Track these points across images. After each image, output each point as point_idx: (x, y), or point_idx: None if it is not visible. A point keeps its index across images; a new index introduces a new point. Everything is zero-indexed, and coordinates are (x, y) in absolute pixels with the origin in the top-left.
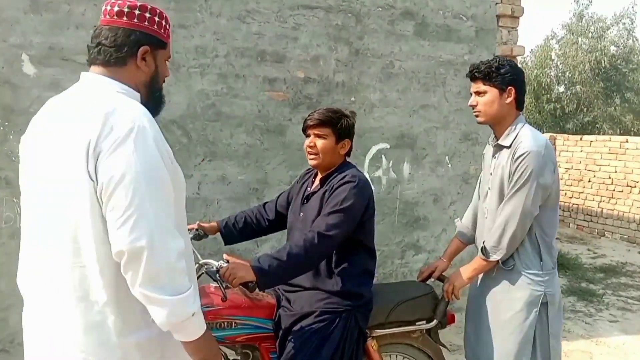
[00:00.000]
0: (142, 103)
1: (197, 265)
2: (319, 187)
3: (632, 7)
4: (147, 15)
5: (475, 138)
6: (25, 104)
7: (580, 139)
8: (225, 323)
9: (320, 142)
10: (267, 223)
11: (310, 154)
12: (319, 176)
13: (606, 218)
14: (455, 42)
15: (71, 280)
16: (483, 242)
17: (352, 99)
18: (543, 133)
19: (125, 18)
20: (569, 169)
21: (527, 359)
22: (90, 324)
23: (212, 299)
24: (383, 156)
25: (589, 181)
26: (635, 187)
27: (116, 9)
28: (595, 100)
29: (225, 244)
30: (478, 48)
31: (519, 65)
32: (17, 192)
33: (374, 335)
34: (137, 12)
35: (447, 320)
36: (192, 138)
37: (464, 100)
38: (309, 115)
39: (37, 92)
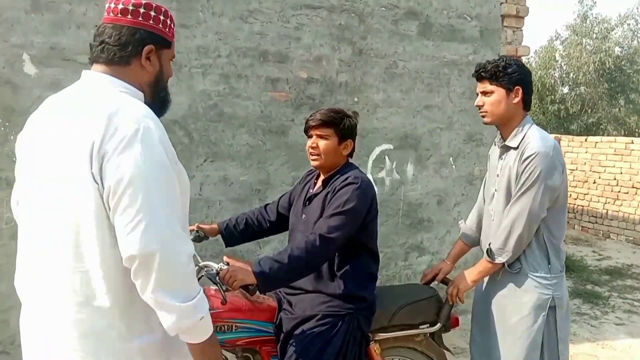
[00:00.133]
0: (146, 103)
1: (197, 267)
2: (321, 188)
3: (637, 7)
4: (152, 13)
5: (480, 139)
6: (26, 104)
7: (585, 140)
8: (226, 326)
9: (322, 143)
10: (268, 225)
11: (313, 155)
12: (321, 177)
13: (611, 220)
14: (459, 42)
15: (71, 285)
16: (489, 244)
17: (355, 99)
18: None
19: (129, 16)
20: (573, 170)
21: None
22: (92, 329)
23: (212, 301)
24: (386, 157)
25: (594, 182)
26: None
27: (120, 6)
28: (599, 102)
29: (226, 246)
30: (482, 48)
31: None
32: None
33: (377, 338)
34: (142, 10)
35: (451, 323)
36: (194, 139)
37: (468, 100)
38: (311, 116)
39: (38, 92)
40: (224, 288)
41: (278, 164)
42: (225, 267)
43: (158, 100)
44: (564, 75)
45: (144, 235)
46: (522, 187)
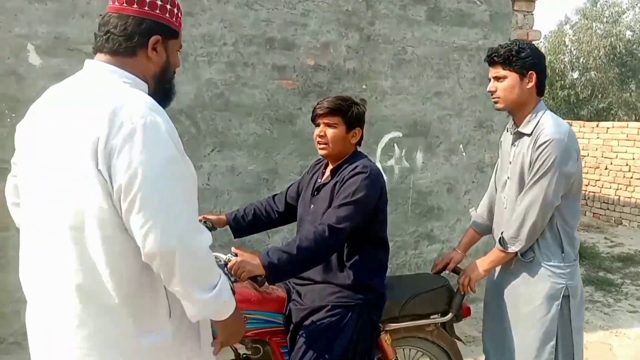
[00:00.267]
0: (149, 94)
1: None
2: (329, 178)
3: None
4: (159, 2)
5: (490, 125)
6: (31, 94)
7: (597, 125)
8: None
9: (330, 132)
10: (276, 215)
11: (320, 144)
12: (330, 167)
13: (623, 206)
14: (469, 27)
15: (75, 280)
16: (501, 233)
17: (364, 86)
18: None
19: (135, 5)
20: (585, 156)
21: (549, 354)
22: (97, 327)
23: None
24: (395, 145)
25: (606, 168)
26: None
27: None
28: (610, 86)
29: (235, 237)
30: (493, 33)
31: None
32: None
33: (388, 329)
34: None
35: (463, 313)
36: (201, 128)
37: (479, 86)
38: (318, 104)
39: (43, 83)
40: (232, 279)
41: (286, 153)
42: (234, 258)
43: (162, 92)
44: (574, 60)
45: (162, 234)
46: (536, 175)
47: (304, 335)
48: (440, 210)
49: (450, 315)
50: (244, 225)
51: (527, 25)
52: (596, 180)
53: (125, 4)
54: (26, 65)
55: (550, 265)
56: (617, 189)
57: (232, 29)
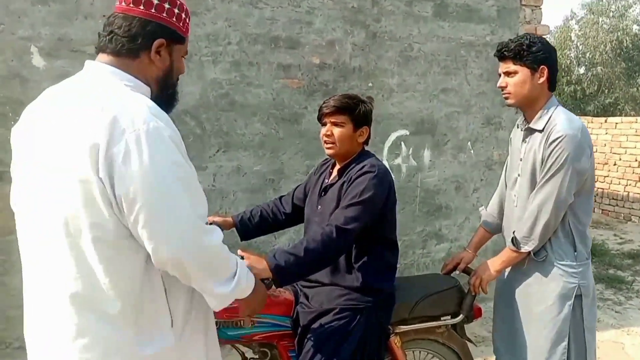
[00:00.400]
0: (152, 99)
1: None
2: (336, 178)
3: None
4: (167, 5)
5: (499, 122)
6: (35, 97)
7: (605, 121)
8: (242, 321)
9: (337, 131)
10: (283, 217)
11: (327, 143)
12: (337, 167)
13: (632, 202)
14: (476, 23)
15: (74, 288)
16: (513, 233)
17: (370, 84)
18: None
19: (142, 7)
20: (593, 152)
21: (561, 355)
22: (98, 336)
23: None
24: (402, 143)
25: (615, 164)
26: None
27: None
28: (616, 81)
29: (242, 240)
30: (500, 28)
31: None
32: None
33: (397, 331)
34: (155, 1)
35: (474, 314)
36: (206, 129)
37: (486, 83)
38: (324, 103)
39: (47, 85)
40: None
41: (292, 152)
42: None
43: (165, 97)
44: (580, 55)
45: (170, 241)
46: (549, 172)
47: (311, 338)
48: (448, 209)
49: (461, 317)
50: (251, 227)
51: (535, 20)
52: (605, 177)
53: (131, 5)
54: (30, 67)
55: (562, 265)
56: (627, 185)
57: (236, 28)
